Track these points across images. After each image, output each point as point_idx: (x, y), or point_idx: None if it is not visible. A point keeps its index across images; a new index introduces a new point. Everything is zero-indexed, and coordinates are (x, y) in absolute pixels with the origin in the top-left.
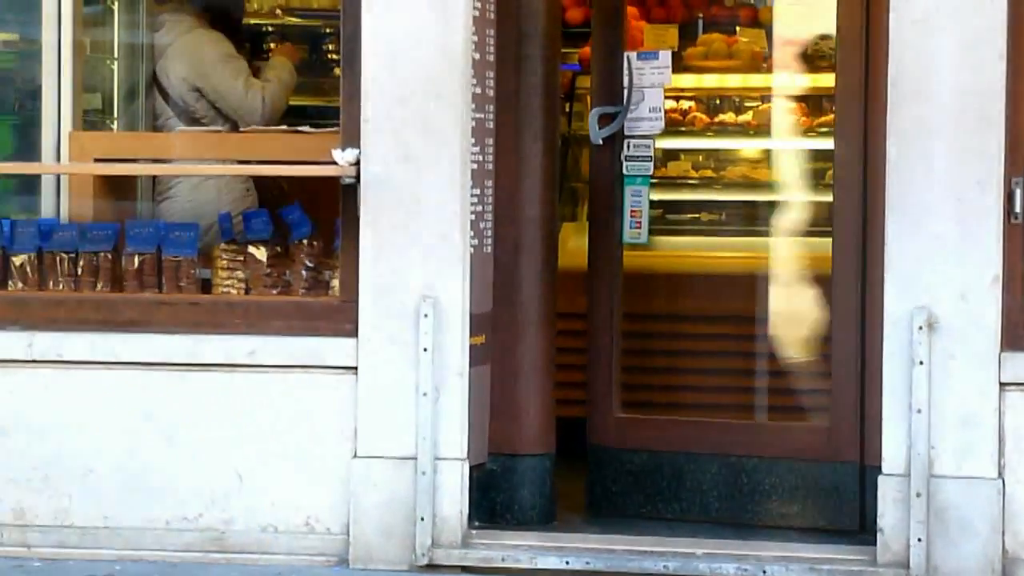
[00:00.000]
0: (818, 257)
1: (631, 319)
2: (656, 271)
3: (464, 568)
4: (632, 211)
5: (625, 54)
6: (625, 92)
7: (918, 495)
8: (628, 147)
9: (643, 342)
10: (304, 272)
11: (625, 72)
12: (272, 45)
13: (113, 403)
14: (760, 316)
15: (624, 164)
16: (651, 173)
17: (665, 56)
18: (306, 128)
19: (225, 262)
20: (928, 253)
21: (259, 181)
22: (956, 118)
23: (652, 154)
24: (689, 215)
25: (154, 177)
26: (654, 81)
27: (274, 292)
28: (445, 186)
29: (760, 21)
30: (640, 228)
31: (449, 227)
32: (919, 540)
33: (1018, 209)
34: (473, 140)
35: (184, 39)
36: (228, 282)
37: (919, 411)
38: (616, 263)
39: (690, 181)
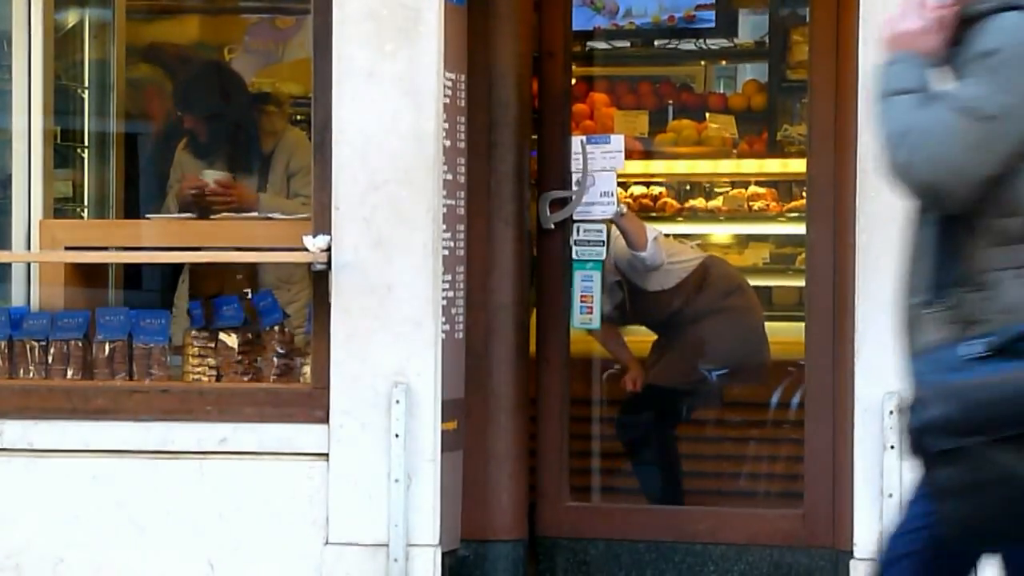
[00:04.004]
0: (790, 341)
1: (583, 405)
2: (609, 356)
3: None
4: (583, 296)
5: (576, 138)
6: (576, 176)
7: None
8: (578, 232)
9: (596, 427)
10: (275, 359)
11: (574, 156)
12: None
13: (84, 492)
14: (729, 400)
15: (574, 249)
16: (603, 258)
17: (617, 140)
18: (277, 215)
19: (196, 349)
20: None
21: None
22: None
23: (605, 239)
24: None
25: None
26: (605, 165)
27: (245, 379)
28: (417, 272)
29: (730, 107)
30: (592, 313)
31: (421, 313)
32: None
33: None
34: (444, 226)
35: None
36: (199, 369)
37: (891, 496)
38: (564, 348)
39: None
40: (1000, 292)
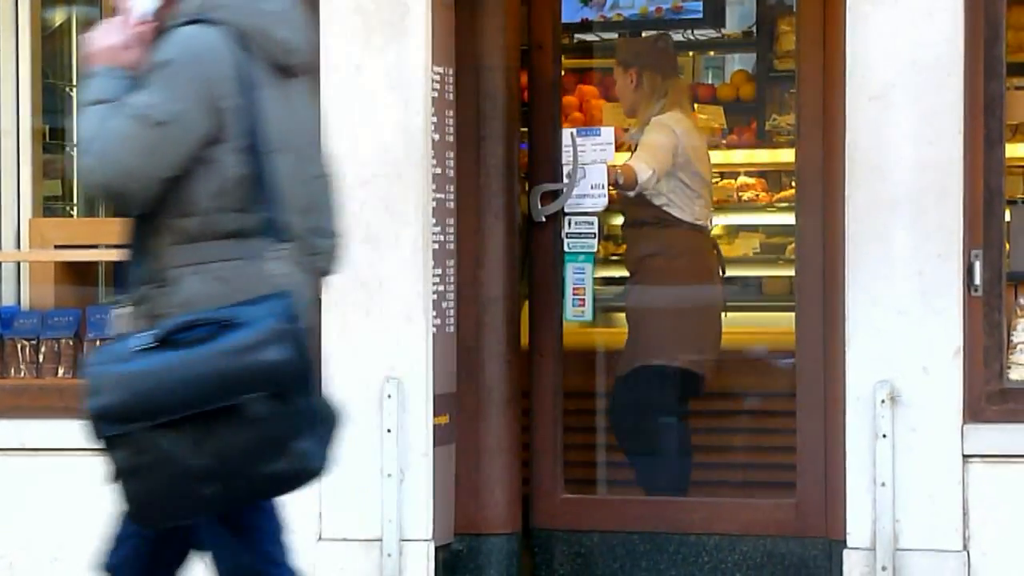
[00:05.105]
0: (780, 331)
1: (576, 398)
2: (603, 348)
3: None
4: (575, 288)
5: (567, 131)
6: (567, 169)
7: (884, 569)
8: (569, 224)
9: (590, 419)
10: None
11: (564, 148)
12: None
13: (77, 490)
14: (721, 391)
15: (565, 241)
16: (595, 250)
17: (607, 132)
18: None
19: None
20: (889, 327)
21: None
22: (915, 192)
23: (596, 231)
24: None
25: None
26: (596, 158)
27: None
28: (407, 267)
29: (718, 98)
30: (584, 306)
31: (411, 308)
32: None
33: (977, 281)
34: (434, 220)
35: None
36: None
37: (883, 484)
38: (557, 341)
39: None
40: (180, 287)
